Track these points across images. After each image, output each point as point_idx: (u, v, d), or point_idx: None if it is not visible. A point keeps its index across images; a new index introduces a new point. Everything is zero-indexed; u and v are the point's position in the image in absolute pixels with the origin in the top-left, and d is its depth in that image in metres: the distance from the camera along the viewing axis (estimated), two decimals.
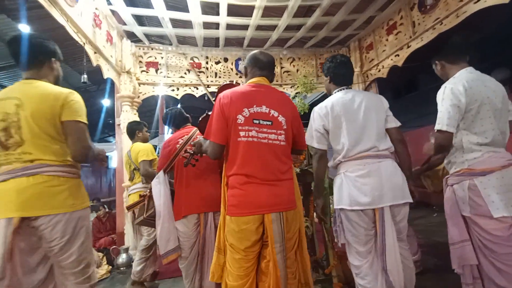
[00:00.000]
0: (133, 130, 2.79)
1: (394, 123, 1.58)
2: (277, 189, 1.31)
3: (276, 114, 1.37)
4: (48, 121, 1.26)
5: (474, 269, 1.43)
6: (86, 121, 1.37)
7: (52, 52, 1.40)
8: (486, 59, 5.24)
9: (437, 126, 1.46)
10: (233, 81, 1.69)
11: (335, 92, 1.67)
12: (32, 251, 1.26)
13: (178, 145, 1.98)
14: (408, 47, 3.45)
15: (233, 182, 1.32)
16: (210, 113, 1.49)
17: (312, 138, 1.60)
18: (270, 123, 1.35)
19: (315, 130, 1.59)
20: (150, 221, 1.96)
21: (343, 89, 1.65)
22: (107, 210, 5.21)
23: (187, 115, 2.28)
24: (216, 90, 4.04)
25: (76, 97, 1.35)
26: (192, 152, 1.75)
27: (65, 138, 1.31)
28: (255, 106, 1.34)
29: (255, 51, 1.55)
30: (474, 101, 1.42)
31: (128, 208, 2.27)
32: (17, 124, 1.23)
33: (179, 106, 11.40)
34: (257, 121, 1.33)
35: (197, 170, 1.90)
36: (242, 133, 1.31)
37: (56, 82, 1.43)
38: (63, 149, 1.31)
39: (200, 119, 1.78)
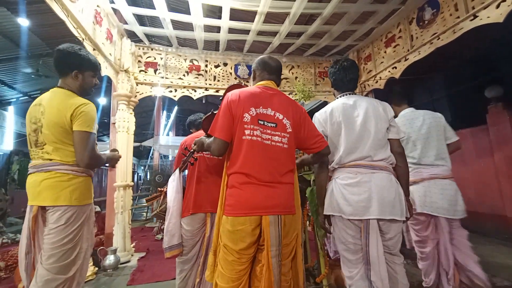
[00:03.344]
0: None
1: (396, 134, 1.54)
2: (276, 192, 1.28)
3: (281, 117, 1.36)
4: (62, 129, 1.46)
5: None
6: (92, 131, 1.51)
7: (75, 65, 1.57)
8: (479, 77, 5.36)
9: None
10: (241, 83, 1.70)
11: (338, 97, 1.66)
12: None
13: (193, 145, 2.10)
14: (406, 60, 3.51)
15: (233, 181, 1.30)
16: (215, 111, 1.47)
17: None
18: (274, 125, 1.34)
19: None
20: (162, 215, 2.04)
21: (346, 94, 1.64)
22: (96, 210, 5.11)
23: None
24: (221, 94, 4.00)
25: (87, 108, 1.50)
26: (192, 150, 1.76)
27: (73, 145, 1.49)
28: (261, 107, 1.34)
29: (264, 55, 1.58)
30: (408, 133, 2.08)
31: (147, 200, 2.33)
32: (41, 128, 1.48)
33: (176, 108, 11.39)
34: (262, 122, 1.32)
35: (210, 169, 1.97)
36: (247, 132, 1.29)
37: (80, 91, 1.60)
38: (74, 152, 1.50)
39: (204, 117, 1.77)
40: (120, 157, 1.90)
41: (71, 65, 1.55)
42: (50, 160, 1.47)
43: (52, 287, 1.37)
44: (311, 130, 1.45)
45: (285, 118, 1.37)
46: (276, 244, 1.23)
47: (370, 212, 1.37)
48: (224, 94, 1.46)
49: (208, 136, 1.62)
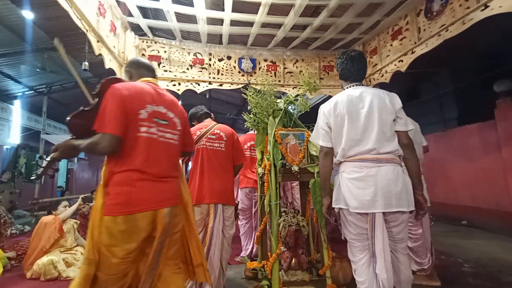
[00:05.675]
0: None
1: (404, 126, 1.51)
2: (169, 185, 1.35)
3: (171, 115, 1.43)
4: None
5: None
6: None
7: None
8: (487, 71, 5.24)
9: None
10: (119, 77, 1.54)
11: (345, 88, 1.65)
12: None
13: (195, 136, 2.16)
14: (413, 52, 3.43)
15: (123, 179, 1.23)
16: (86, 108, 1.36)
17: (317, 135, 1.62)
18: (166, 122, 1.39)
19: (320, 127, 1.60)
20: None
21: (353, 85, 1.62)
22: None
23: (209, 112, 2.58)
24: (225, 88, 3.95)
25: None
26: (51, 158, 1.33)
27: None
28: (154, 104, 1.36)
29: (134, 57, 1.60)
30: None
31: None
32: None
33: (180, 102, 11.44)
34: (156, 120, 1.35)
35: (213, 162, 2.10)
36: (143, 129, 1.29)
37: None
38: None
39: (71, 115, 1.34)
40: None
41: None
42: None
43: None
44: (189, 130, 1.64)
45: (175, 117, 1.45)
46: (164, 234, 1.26)
47: (375, 206, 1.38)
48: (103, 87, 1.36)
49: (79, 137, 1.31)
